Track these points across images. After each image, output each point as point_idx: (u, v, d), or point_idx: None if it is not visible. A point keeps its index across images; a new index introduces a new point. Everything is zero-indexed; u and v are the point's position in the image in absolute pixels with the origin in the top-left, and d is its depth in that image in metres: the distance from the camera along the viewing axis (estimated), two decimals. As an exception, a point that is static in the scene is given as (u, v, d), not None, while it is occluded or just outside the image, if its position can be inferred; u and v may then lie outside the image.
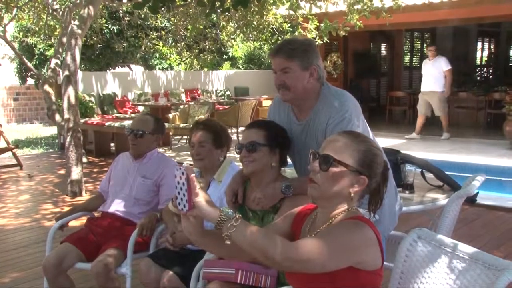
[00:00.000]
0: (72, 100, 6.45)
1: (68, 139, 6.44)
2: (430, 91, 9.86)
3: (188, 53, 12.62)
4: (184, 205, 1.56)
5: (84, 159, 7.92)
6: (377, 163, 1.76)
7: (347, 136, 1.77)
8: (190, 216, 1.61)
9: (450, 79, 9.76)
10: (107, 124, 9.24)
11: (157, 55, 14.73)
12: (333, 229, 1.67)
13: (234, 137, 9.28)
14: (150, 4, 3.15)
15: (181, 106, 10.81)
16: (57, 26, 10.01)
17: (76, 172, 6.40)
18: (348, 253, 1.62)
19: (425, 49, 10.10)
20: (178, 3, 7.28)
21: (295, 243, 1.59)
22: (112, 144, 9.81)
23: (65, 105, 6.45)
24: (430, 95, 9.88)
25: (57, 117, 6.93)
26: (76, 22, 6.67)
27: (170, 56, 14.57)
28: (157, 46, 12.52)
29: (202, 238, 1.71)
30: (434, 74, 9.79)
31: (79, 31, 6.51)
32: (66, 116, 6.44)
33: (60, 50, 7.47)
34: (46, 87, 7.11)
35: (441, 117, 9.99)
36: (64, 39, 7.07)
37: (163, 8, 3.26)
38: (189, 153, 2.80)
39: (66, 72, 6.43)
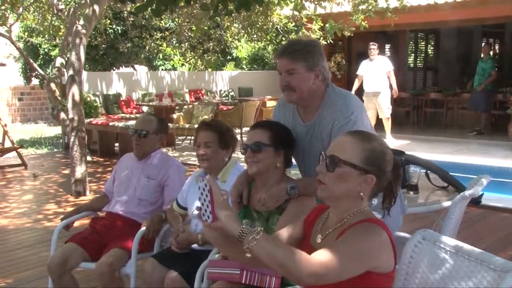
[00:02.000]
0: (77, 99, 6.47)
1: (72, 138, 6.46)
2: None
3: (192, 53, 12.64)
4: (208, 216, 1.60)
5: (89, 158, 7.94)
6: (385, 160, 1.75)
7: (353, 136, 1.77)
8: (214, 227, 1.64)
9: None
10: (111, 124, 9.26)
11: (161, 56, 14.75)
12: (347, 237, 1.64)
13: (238, 137, 9.27)
14: (152, 7, 3.14)
15: (185, 107, 10.82)
16: (62, 26, 10.04)
17: (80, 172, 6.42)
18: (364, 260, 1.61)
19: (371, 47, 9.60)
20: (182, 5, 7.26)
21: (313, 258, 1.58)
22: (116, 144, 9.83)
23: (69, 104, 6.47)
24: (377, 95, 9.63)
25: (62, 116, 6.95)
26: (81, 22, 6.68)
27: (173, 57, 14.59)
28: (161, 47, 12.54)
29: (226, 247, 1.74)
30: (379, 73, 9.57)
31: (84, 31, 6.53)
32: (71, 115, 6.46)
33: (65, 50, 7.49)
34: (51, 87, 7.13)
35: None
36: (69, 39, 7.09)
37: (166, 11, 3.25)
38: (192, 153, 2.82)
39: (71, 71, 6.44)
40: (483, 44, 10.72)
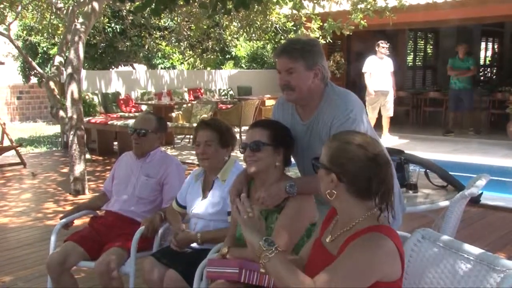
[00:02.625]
0: (76, 97, 6.46)
1: (71, 137, 6.45)
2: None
3: (191, 52, 12.62)
4: None
5: (88, 156, 7.94)
6: (346, 158, 1.71)
7: (336, 140, 1.80)
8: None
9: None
10: (110, 122, 9.26)
11: (160, 55, 14.73)
12: (348, 256, 1.63)
13: (237, 136, 9.27)
14: (151, 7, 3.13)
15: (184, 105, 10.80)
16: (61, 25, 10.03)
17: (79, 170, 6.41)
18: (367, 278, 1.62)
19: (383, 45, 9.56)
20: (181, 4, 7.26)
21: (316, 281, 1.60)
22: (115, 143, 9.82)
23: (68, 102, 6.46)
24: (386, 94, 9.68)
25: (61, 115, 6.94)
26: (80, 20, 6.67)
27: (173, 56, 14.57)
28: (160, 46, 12.52)
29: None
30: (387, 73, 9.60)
31: (83, 29, 6.51)
32: (70, 114, 6.45)
33: (64, 48, 7.48)
34: (50, 85, 7.12)
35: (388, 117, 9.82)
36: (68, 38, 7.08)
37: (165, 11, 3.24)
38: (191, 152, 2.81)
39: (70, 70, 6.43)
40: (460, 44, 10.66)
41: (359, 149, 1.71)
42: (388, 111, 9.66)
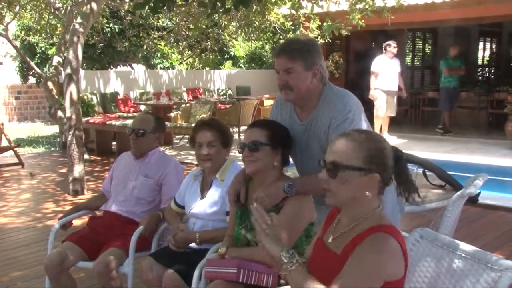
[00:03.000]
0: (74, 97, 6.45)
1: (69, 137, 6.44)
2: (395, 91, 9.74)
3: (189, 52, 12.62)
4: None
5: (86, 156, 7.93)
6: (385, 156, 1.73)
7: (348, 137, 1.75)
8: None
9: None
10: (108, 123, 9.25)
11: (159, 55, 14.73)
12: (362, 257, 1.63)
13: (235, 136, 9.28)
14: (150, 4, 3.14)
15: (183, 105, 10.81)
16: (59, 25, 10.02)
17: (77, 171, 6.40)
18: (380, 276, 1.62)
19: (394, 45, 9.61)
20: (179, 3, 7.29)
21: None
22: (114, 143, 9.82)
23: (67, 103, 6.45)
24: (393, 94, 9.75)
25: (59, 115, 6.94)
26: (79, 20, 6.67)
27: (171, 56, 14.57)
28: (159, 46, 12.51)
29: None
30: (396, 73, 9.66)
31: (81, 29, 6.51)
32: (68, 114, 6.44)
33: (62, 48, 7.48)
34: (48, 85, 7.12)
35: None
36: (67, 38, 7.07)
37: (163, 8, 3.24)
38: (190, 152, 2.80)
39: (68, 70, 6.43)
40: (451, 45, 10.78)
41: (387, 144, 1.77)
42: (394, 112, 9.75)
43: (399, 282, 1.67)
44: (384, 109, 9.54)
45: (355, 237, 1.70)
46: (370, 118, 9.39)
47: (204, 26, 9.69)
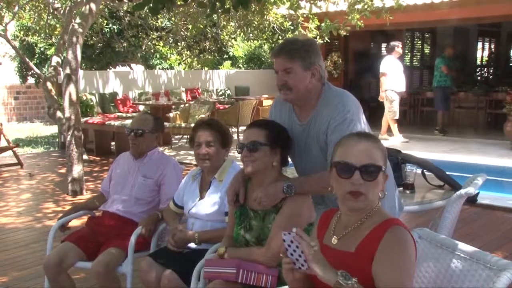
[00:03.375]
0: (73, 98, 6.45)
1: (68, 137, 6.44)
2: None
3: (188, 52, 12.62)
4: (302, 264, 1.65)
5: (85, 157, 7.93)
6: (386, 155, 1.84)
7: (369, 139, 1.81)
8: (310, 273, 1.67)
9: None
10: (107, 123, 9.25)
11: (158, 55, 14.73)
12: (392, 256, 1.67)
13: (234, 136, 9.28)
14: (150, 5, 3.13)
15: (182, 106, 10.80)
16: (58, 25, 10.01)
17: (76, 171, 6.40)
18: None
19: (400, 46, 9.67)
20: (179, 3, 7.27)
21: None
22: (112, 143, 9.81)
23: (66, 103, 6.45)
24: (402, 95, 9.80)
25: (58, 115, 6.93)
26: (78, 20, 6.66)
27: (170, 57, 14.56)
28: (158, 46, 12.51)
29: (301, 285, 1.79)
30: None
31: (80, 30, 6.50)
32: (67, 114, 6.44)
33: (61, 48, 7.47)
34: (47, 86, 7.11)
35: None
36: (66, 38, 7.06)
37: (163, 9, 3.24)
38: (189, 152, 2.80)
39: (67, 70, 6.42)
40: (448, 45, 10.87)
41: None
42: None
43: (415, 271, 1.76)
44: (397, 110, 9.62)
45: (370, 233, 1.74)
46: (373, 120, 9.43)
47: (202, 26, 9.68)
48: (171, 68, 15.36)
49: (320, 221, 1.97)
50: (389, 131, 9.98)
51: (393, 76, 9.50)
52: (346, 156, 1.76)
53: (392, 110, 9.61)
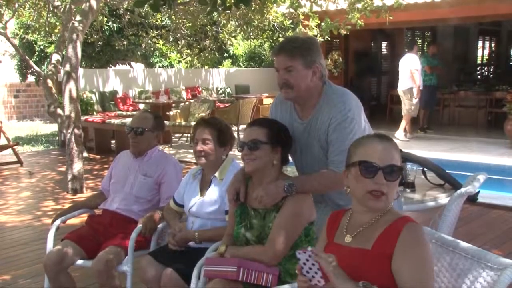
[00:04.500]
0: (74, 94, 6.44)
1: (68, 135, 6.44)
2: None
3: (188, 51, 12.61)
4: (319, 280, 1.67)
5: (85, 154, 7.92)
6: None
7: (387, 141, 1.84)
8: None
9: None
10: (107, 121, 9.24)
11: (158, 53, 14.71)
12: (414, 253, 1.69)
13: (235, 135, 9.26)
14: (151, 2, 3.12)
15: (182, 104, 10.80)
16: (58, 23, 9.98)
17: (76, 169, 6.40)
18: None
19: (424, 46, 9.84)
20: (179, 1, 7.27)
21: None
22: (112, 142, 9.80)
23: (66, 100, 6.44)
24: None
25: (58, 112, 6.92)
26: (78, 18, 6.65)
27: (170, 55, 14.54)
28: (158, 44, 12.49)
29: None
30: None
31: (81, 27, 6.50)
32: (67, 111, 6.44)
33: (61, 46, 7.45)
34: (47, 83, 7.10)
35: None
36: (66, 35, 7.05)
37: (164, 6, 3.23)
38: (189, 151, 2.81)
39: (67, 68, 6.42)
40: (430, 43, 10.94)
41: None
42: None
43: None
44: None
45: (386, 231, 1.75)
46: (373, 118, 9.43)
47: (201, 24, 9.66)
48: (171, 66, 15.35)
49: (329, 221, 1.97)
50: (393, 129, 10.03)
51: (419, 73, 9.59)
52: (368, 156, 1.78)
53: (414, 106, 9.70)
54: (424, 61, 10.41)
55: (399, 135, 9.68)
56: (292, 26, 9.55)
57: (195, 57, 12.62)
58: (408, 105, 9.66)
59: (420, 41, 15.84)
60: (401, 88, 9.71)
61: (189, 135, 9.94)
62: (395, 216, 1.79)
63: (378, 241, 1.75)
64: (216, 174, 2.85)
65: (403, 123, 9.82)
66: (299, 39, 2.39)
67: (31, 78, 14.96)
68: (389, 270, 1.69)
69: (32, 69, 11.76)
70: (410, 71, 9.47)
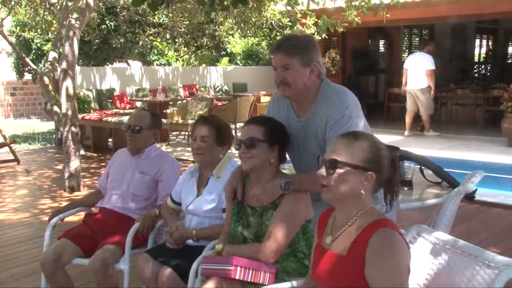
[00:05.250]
0: (70, 92, 6.42)
1: (65, 133, 6.42)
2: None
3: (185, 49, 12.60)
4: None
5: (82, 152, 7.91)
6: (382, 156, 1.81)
7: (349, 137, 1.82)
8: None
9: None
10: (104, 119, 9.23)
11: (155, 51, 14.69)
12: (382, 261, 1.68)
13: (233, 134, 9.25)
14: (149, 1, 3.11)
15: (179, 102, 10.78)
16: (54, 21, 9.96)
17: (73, 167, 6.38)
18: (405, 271, 1.70)
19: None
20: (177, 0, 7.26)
21: None
22: (110, 140, 9.79)
23: (62, 98, 6.43)
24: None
25: (55, 110, 6.91)
26: (75, 15, 6.63)
27: (167, 53, 14.53)
28: (155, 42, 12.47)
29: None
30: None
31: (77, 25, 6.48)
32: (64, 109, 6.42)
33: (58, 44, 7.43)
34: (44, 81, 7.08)
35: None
36: (63, 33, 7.03)
37: (162, 5, 3.21)
38: (186, 148, 2.80)
39: (64, 65, 6.40)
40: (424, 42, 11.03)
41: (385, 146, 1.85)
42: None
43: (409, 268, 1.75)
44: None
45: (359, 236, 1.75)
46: (371, 117, 9.43)
47: (197, 22, 9.65)
48: (169, 64, 15.33)
49: (319, 221, 1.98)
50: (391, 127, 10.06)
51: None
52: (328, 150, 1.86)
53: (431, 105, 9.79)
54: None
55: (429, 133, 9.89)
56: (289, 24, 9.54)
57: (192, 55, 12.61)
58: (426, 103, 9.72)
59: (417, 39, 15.85)
60: (418, 86, 9.68)
61: (186, 133, 9.94)
62: (370, 219, 1.77)
63: (352, 248, 1.75)
64: (214, 172, 2.85)
65: (426, 122, 9.94)
66: (297, 37, 2.38)
67: (28, 76, 14.93)
68: (364, 277, 1.69)
69: (29, 67, 11.77)
70: (426, 71, 9.47)
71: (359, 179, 1.77)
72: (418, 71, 9.62)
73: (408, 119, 10.09)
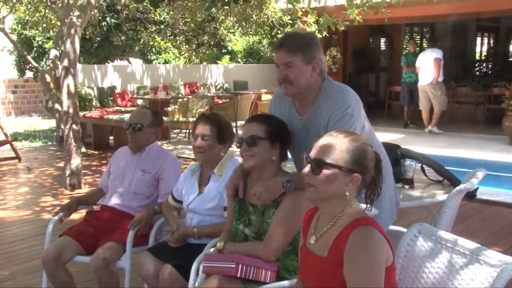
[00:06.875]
0: (72, 89, 6.42)
1: (66, 130, 6.42)
2: None
3: (186, 47, 12.57)
4: None
5: (84, 150, 7.91)
6: (368, 159, 1.79)
7: (336, 137, 1.81)
8: None
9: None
10: (105, 117, 9.23)
11: (155, 50, 14.67)
12: (356, 261, 1.67)
13: (234, 132, 9.25)
14: (150, -2, 3.11)
15: (180, 100, 10.78)
16: (55, 19, 9.94)
17: (74, 165, 6.38)
18: (380, 269, 1.68)
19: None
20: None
21: None
22: (111, 137, 9.79)
23: (64, 96, 6.43)
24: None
25: (56, 108, 6.90)
26: (76, 13, 6.63)
27: (168, 51, 14.51)
28: (156, 40, 12.45)
29: None
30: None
31: (79, 22, 6.47)
32: (65, 107, 6.42)
33: (59, 42, 7.43)
34: (46, 79, 7.08)
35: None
36: (64, 31, 7.03)
37: (163, 2, 3.22)
38: (187, 146, 2.80)
39: (66, 63, 6.40)
40: (409, 40, 11.14)
41: (371, 148, 1.82)
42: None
43: (391, 266, 1.73)
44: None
45: (338, 236, 1.74)
46: (371, 115, 9.43)
47: (199, 20, 9.63)
48: (168, 63, 15.31)
49: (304, 221, 1.98)
50: (391, 125, 10.07)
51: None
52: (313, 149, 1.83)
53: (444, 101, 9.93)
54: (403, 59, 10.71)
55: (434, 130, 9.98)
56: (290, 22, 9.53)
57: (193, 53, 12.59)
58: (439, 99, 9.84)
59: (418, 37, 15.83)
60: (428, 82, 9.83)
61: (187, 131, 9.94)
62: (350, 219, 1.76)
63: (332, 248, 1.75)
64: (215, 170, 2.85)
65: (436, 117, 10.03)
66: (299, 34, 2.37)
67: (29, 74, 14.91)
68: (343, 278, 1.69)
69: (30, 65, 11.75)
70: (434, 60, 9.59)
71: (344, 181, 1.76)
72: (428, 66, 9.76)
73: (424, 115, 10.21)
